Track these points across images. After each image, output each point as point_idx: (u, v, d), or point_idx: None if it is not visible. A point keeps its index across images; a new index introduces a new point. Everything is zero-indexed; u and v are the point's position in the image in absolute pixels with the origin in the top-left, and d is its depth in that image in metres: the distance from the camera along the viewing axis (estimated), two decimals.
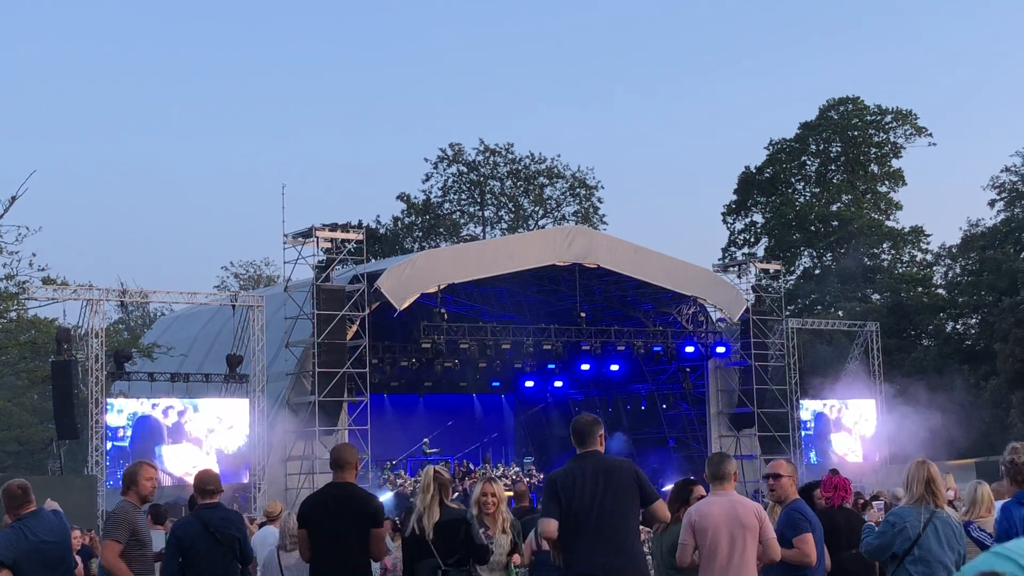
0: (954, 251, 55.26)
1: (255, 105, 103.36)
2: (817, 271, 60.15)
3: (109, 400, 28.35)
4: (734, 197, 64.26)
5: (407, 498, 32.21)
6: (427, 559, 8.01)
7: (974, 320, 53.58)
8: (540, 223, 63.68)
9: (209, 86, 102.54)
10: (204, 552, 8.22)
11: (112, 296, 30.12)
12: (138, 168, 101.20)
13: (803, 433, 38.44)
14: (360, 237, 31.57)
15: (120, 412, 28.48)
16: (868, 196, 62.66)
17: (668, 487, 11.09)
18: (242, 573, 8.56)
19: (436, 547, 7.98)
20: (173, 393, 30.35)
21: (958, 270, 55.48)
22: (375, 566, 9.79)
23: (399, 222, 64.24)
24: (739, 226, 64.23)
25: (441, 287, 32.19)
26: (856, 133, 61.97)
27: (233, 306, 31.66)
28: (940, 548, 7.47)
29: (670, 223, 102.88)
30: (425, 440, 38.23)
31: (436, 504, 8.11)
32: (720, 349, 37.38)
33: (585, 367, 38.99)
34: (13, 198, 27.11)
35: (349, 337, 30.40)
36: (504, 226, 64.13)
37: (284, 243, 30.85)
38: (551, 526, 7.17)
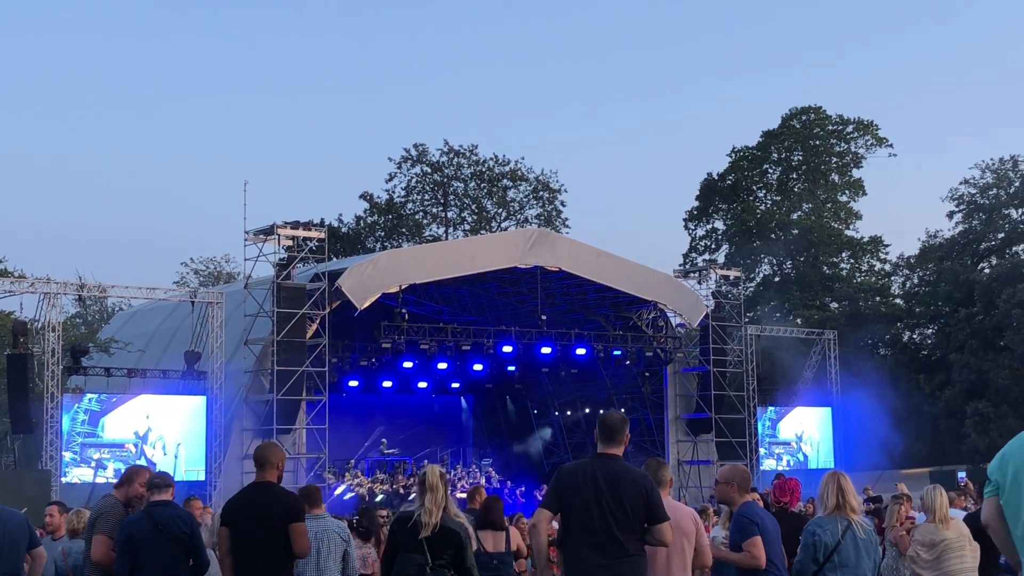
0: (912, 261, 55.75)
1: (218, 100, 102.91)
2: (777, 279, 60.53)
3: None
4: (696, 203, 64.66)
5: (364, 499, 32.22)
6: (414, 554, 7.96)
7: (931, 330, 54.07)
8: (503, 225, 63.74)
9: (171, 80, 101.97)
10: (153, 549, 8.17)
11: (70, 290, 29.90)
12: (98, 161, 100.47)
13: (759, 439, 38.71)
14: (322, 235, 31.50)
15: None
16: (828, 205, 63.15)
17: None
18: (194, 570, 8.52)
19: (429, 546, 7.98)
20: (130, 389, 30.15)
21: (916, 280, 55.97)
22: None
23: (362, 221, 64.12)
24: (700, 232, 64.66)
25: (402, 287, 32.16)
26: (817, 142, 62.44)
27: (192, 302, 31.50)
28: (857, 555, 7.83)
29: (632, 228, 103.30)
30: (383, 440, 38.22)
31: (442, 508, 7.98)
32: (679, 355, 37.62)
33: (544, 370, 39.05)
34: None
35: (309, 336, 30.31)
36: (467, 227, 64.15)
37: (245, 240, 30.71)
38: (543, 515, 7.11)
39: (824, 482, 8.06)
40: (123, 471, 9.03)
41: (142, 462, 28.48)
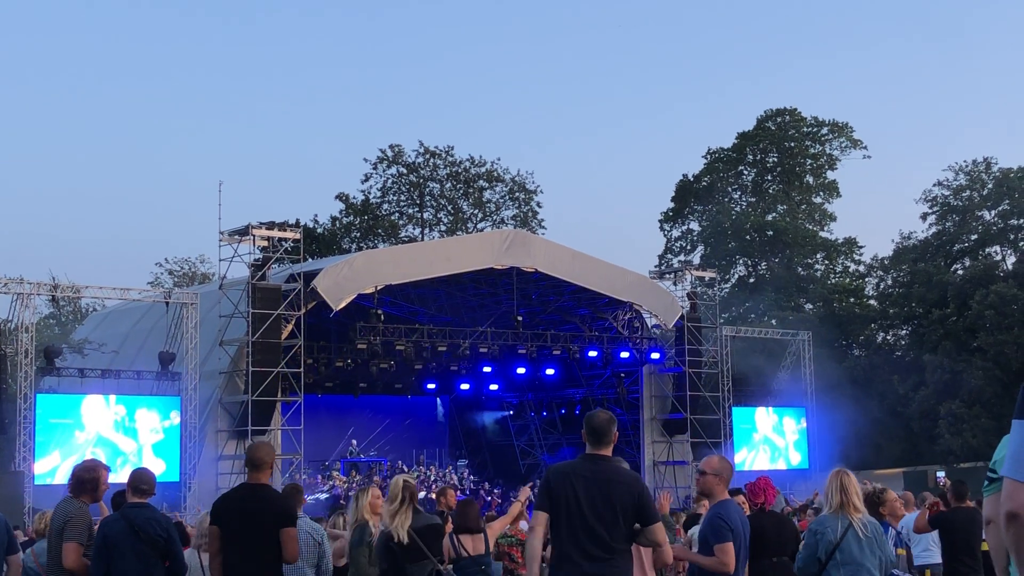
0: (886, 263, 56.04)
1: (192, 100, 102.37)
2: (752, 280, 60.73)
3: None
4: (671, 205, 64.85)
5: (339, 498, 32.14)
6: (422, 562, 8.15)
7: (904, 331, 54.34)
8: (479, 226, 63.73)
9: (145, 80, 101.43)
10: (127, 551, 8.12)
11: (43, 290, 29.77)
12: (72, 161, 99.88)
13: (734, 439, 38.82)
14: (297, 236, 31.45)
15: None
16: (803, 207, 63.42)
17: None
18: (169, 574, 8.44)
19: (427, 547, 8.08)
20: (104, 390, 30.01)
21: (890, 282, 56.25)
22: None
23: (337, 222, 64.00)
24: (676, 233, 64.84)
25: (378, 288, 32.12)
26: (792, 144, 62.70)
27: (167, 303, 31.39)
28: (861, 552, 7.83)
29: (608, 229, 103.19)
30: (353, 442, 38.12)
31: (409, 511, 8.33)
32: (655, 355, 37.63)
33: (521, 371, 39.08)
34: None
35: (284, 336, 30.24)
36: (443, 228, 64.11)
37: (220, 240, 30.62)
38: (540, 518, 7.08)
39: (828, 480, 8.11)
40: (72, 472, 8.79)
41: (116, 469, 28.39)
